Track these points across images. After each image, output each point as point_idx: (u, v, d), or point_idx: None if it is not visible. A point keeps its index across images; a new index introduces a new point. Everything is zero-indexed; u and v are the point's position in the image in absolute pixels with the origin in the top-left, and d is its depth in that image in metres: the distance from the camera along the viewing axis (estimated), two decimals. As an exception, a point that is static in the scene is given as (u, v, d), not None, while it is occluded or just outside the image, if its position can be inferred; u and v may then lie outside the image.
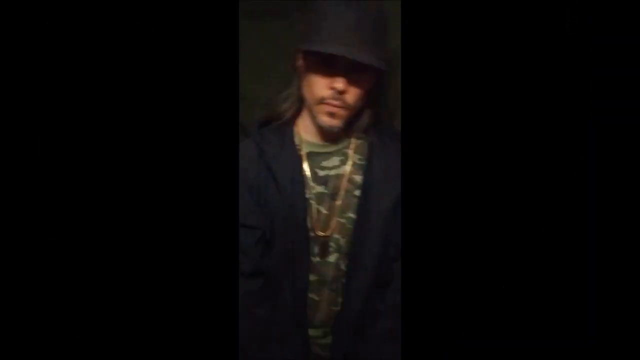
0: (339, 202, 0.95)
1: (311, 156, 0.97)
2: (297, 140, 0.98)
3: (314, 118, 0.94)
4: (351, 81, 0.89)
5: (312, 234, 0.95)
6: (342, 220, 0.96)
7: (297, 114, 0.99)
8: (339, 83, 0.87)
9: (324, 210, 0.95)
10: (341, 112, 0.91)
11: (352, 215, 0.95)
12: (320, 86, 0.90)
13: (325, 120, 0.92)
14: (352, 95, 0.90)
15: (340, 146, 0.98)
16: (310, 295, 0.96)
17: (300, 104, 0.98)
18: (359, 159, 0.98)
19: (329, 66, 0.89)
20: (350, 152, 0.98)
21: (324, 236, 0.95)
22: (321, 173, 0.97)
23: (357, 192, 0.96)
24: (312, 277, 0.95)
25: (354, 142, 0.98)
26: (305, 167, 0.97)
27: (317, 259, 0.95)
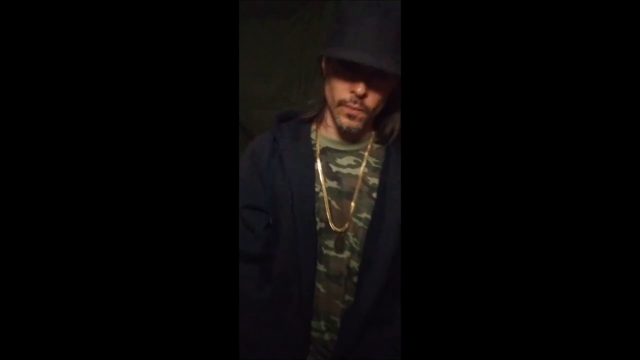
0: (353, 202, 0.97)
1: (325, 152, 1.00)
2: (313, 136, 1.01)
3: (334, 119, 0.97)
4: (371, 86, 0.91)
5: (324, 226, 0.96)
6: (357, 221, 0.97)
7: (318, 114, 1.02)
8: (359, 87, 0.90)
9: (336, 206, 0.97)
10: (360, 114, 0.94)
11: (367, 216, 0.97)
12: (341, 89, 0.93)
13: (344, 122, 0.94)
14: (372, 99, 0.93)
15: (357, 147, 1.01)
16: (317, 285, 0.96)
17: (323, 104, 1.01)
18: (375, 162, 1.01)
19: (350, 70, 0.91)
20: (366, 154, 1.01)
21: (339, 232, 0.96)
22: (334, 169, 0.99)
23: (374, 194, 0.97)
24: (321, 268, 0.96)
25: (371, 145, 1.01)
26: (318, 162, 0.99)
27: (331, 252, 0.96)
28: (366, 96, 0.92)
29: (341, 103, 0.93)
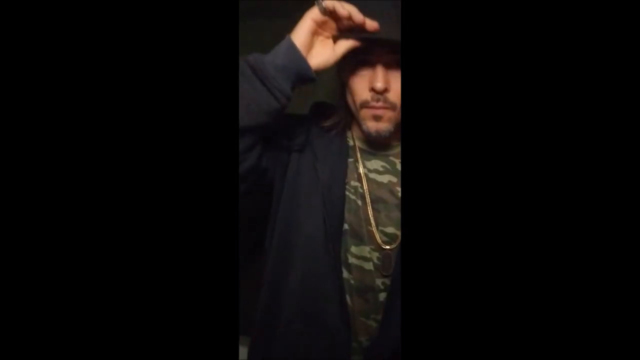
0: (376, 213, 0.90)
1: (358, 152, 0.94)
2: (348, 135, 0.95)
3: (361, 127, 0.90)
4: (392, 78, 0.84)
5: (347, 228, 0.89)
6: (380, 235, 0.90)
7: (346, 126, 0.95)
8: (378, 82, 0.83)
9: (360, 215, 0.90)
10: (387, 113, 0.86)
11: (395, 231, 0.89)
12: (360, 90, 0.86)
13: (371, 126, 0.87)
14: (396, 93, 0.84)
15: (386, 152, 0.93)
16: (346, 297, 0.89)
17: (348, 115, 0.94)
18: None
19: (366, 66, 0.85)
20: (396, 160, 0.93)
21: (387, 249, 0.89)
22: (361, 171, 0.92)
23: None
24: (347, 276, 0.90)
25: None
26: (350, 161, 0.93)
27: (356, 261, 0.90)
28: (388, 91, 0.84)
29: (363, 105, 0.86)
